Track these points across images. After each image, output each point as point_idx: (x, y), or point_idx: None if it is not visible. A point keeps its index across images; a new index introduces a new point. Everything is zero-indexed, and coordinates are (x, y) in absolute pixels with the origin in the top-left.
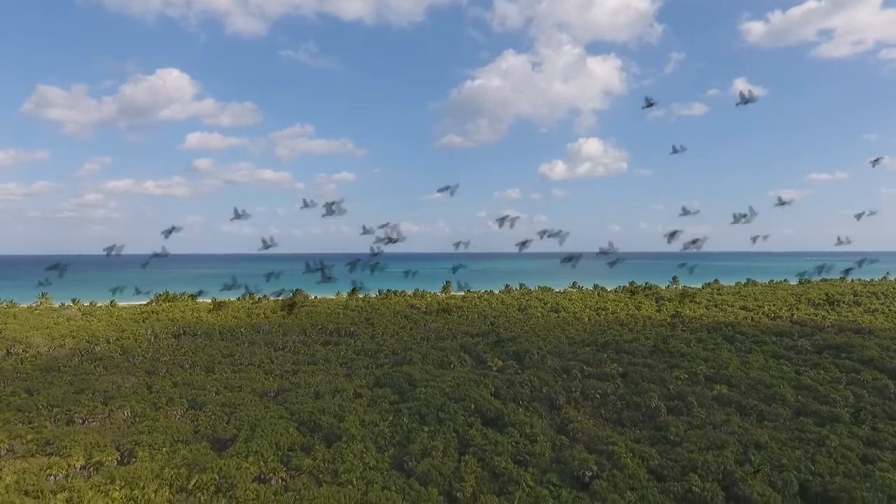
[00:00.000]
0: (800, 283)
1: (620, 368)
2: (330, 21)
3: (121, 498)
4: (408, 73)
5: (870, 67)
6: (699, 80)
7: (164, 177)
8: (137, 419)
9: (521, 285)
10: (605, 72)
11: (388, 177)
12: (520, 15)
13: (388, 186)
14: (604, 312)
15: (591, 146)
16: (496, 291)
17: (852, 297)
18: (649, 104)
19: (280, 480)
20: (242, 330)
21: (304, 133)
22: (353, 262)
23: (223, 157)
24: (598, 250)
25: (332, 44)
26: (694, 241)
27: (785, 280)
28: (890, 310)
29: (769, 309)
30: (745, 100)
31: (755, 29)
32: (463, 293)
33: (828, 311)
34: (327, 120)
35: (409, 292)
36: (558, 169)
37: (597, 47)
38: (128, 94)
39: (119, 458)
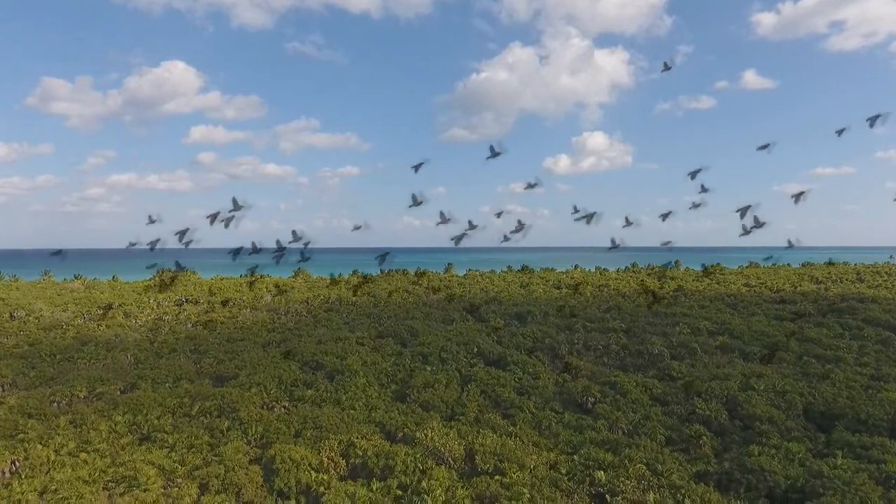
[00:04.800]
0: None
1: (623, 325)
2: (336, 13)
3: (124, 422)
4: (414, 67)
5: (880, 60)
6: (707, 73)
7: (168, 170)
8: (140, 364)
9: (524, 266)
10: (613, 65)
11: (391, 171)
12: (528, 7)
13: (391, 181)
14: (606, 289)
15: (597, 140)
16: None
17: (855, 275)
18: (628, 223)
19: (283, 408)
20: (247, 298)
21: (309, 126)
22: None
23: (227, 150)
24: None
25: (339, 36)
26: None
27: (788, 265)
28: (893, 284)
29: (772, 284)
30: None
31: (765, 20)
32: (463, 273)
33: (830, 285)
34: (332, 113)
35: (411, 271)
36: (563, 163)
37: (605, 40)
38: (133, 86)
39: (122, 390)
